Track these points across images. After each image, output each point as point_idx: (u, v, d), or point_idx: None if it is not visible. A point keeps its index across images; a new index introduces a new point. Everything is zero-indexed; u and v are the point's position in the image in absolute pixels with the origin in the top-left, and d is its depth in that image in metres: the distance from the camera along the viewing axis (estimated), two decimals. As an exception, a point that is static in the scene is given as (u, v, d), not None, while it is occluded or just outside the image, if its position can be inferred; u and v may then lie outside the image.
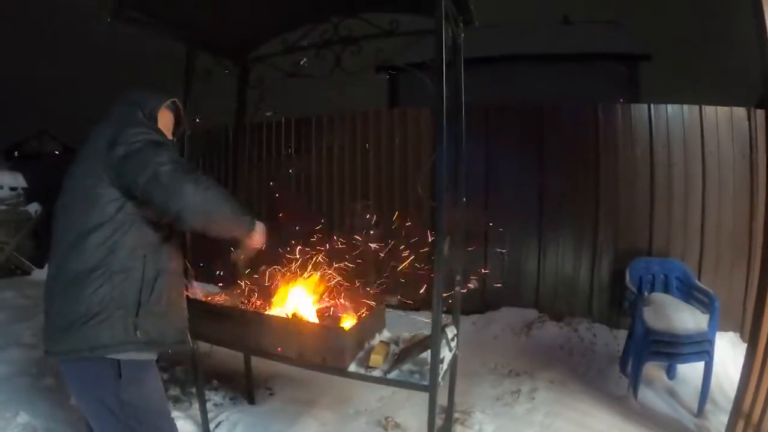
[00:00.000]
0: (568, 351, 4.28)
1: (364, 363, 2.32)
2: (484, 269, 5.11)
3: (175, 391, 3.63)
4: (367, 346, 2.50)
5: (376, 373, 2.26)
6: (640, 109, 4.75)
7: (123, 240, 1.78)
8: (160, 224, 1.89)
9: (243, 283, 3.26)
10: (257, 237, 2.06)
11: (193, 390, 3.31)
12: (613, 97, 8.29)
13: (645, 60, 11.93)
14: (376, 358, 2.28)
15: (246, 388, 3.56)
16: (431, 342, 2.12)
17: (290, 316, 2.62)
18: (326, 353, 2.33)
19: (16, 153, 15.92)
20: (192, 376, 3.20)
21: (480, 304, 5.07)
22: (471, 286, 4.76)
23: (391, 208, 5.32)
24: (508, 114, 5.10)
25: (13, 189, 8.52)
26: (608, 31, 12.92)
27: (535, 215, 5.00)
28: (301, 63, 3.00)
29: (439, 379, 2.18)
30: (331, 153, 5.76)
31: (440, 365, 2.18)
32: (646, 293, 3.99)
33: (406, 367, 2.26)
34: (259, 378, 3.69)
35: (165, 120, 2.10)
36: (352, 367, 2.33)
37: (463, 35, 2.53)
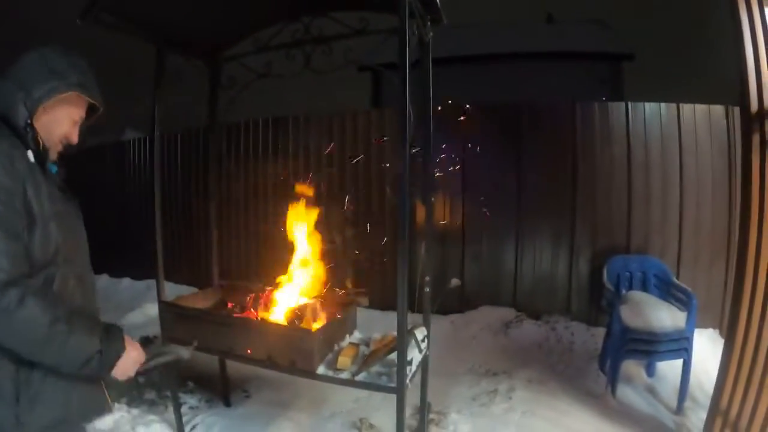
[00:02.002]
0: (546, 350, 4.27)
1: (333, 365, 2.30)
2: (461, 269, 5.12)
3: (150, 395, 3.62)
4: (336, 347, 2.48)
5: (344, 375, 2.25)
6: (617, 108, 4.76)
7: None
8: None
9: (219, 285, 3.26)
10: (123, 367, 1.43)
11: (169, 393, 3.28)
12: (596, 97, 8.34)
13: (628, 59, 11.99)
14: (343, 360, 2.26)
15: (222, 391, 3.54)
16: (397, 344, 2.10)
17: (259, 318, 2.60)
18: (294, 355, 2.31)
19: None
20: (175, 378, 3.17)
21: (459, 303, 5.06)
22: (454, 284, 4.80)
23: (368, 209, 5.32)
24: (485, 113, 5.07)
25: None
26: (592, 30, 12.95)
27: (512, 214, 4.99)
28: (269, 64, 2.96)
29: (408, 380, 2.16)
30: (307, 154, 5.71)
31: (408, 367, 2.16)
32: (623, 291, 3.98)
33: (375, 368, 2.25)
34: (235, 380, 3.67)
35: (60, 115, 1.48)
36: (321, 370, 2.31)
37: (431, 34, 2.51)
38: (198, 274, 5.65)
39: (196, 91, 3.39)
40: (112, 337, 1.40)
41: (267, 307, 2.75)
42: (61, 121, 1.48)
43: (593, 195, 4.77)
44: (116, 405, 3.40)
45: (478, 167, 5.05)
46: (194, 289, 4.02)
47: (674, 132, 4.61)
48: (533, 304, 4.92)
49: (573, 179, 4.80)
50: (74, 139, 1.54)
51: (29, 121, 1.39)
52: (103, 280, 6.92)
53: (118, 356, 1.40)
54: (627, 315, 3.54)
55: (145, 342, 4.61)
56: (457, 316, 4.96)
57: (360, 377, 2.21)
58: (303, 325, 2.47)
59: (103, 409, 1.58)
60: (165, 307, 2.88)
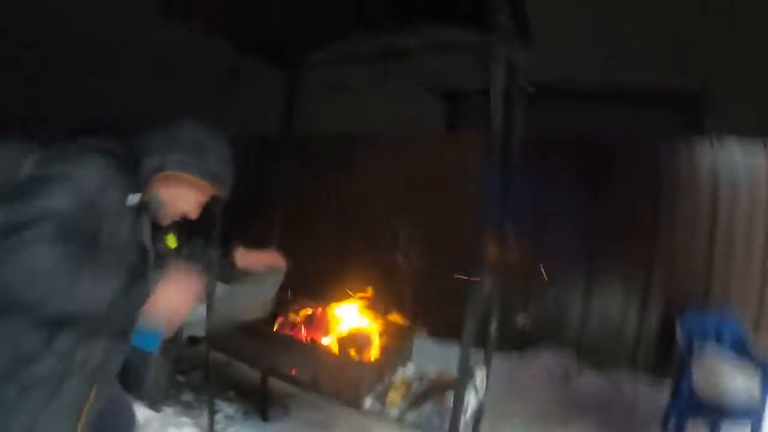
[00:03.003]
0: (606, 403, 3.95)
1: (381, 399, 2.14)
2: (525, 307, 4.87)
3: (188, 397, 3.59)
4: (387, 380, 2.33)
5: (393, 412, 2.08)
6: (702, 145, 4.43)
7: None
8: None
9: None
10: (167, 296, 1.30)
11: (206, 398, 3.20)
12: (672, 133, 7.98)
13: (707, 95, 11.50)
14: (393, 397, 2.11)
15: (261, 404, 3.43)
16: (456, 386, 1.91)
17: (307, 339, 2.49)
18: (341, 384, 2.17)
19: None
20: (214, 384, 3.09)
21: (518, 341, 4.78)
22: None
23: (437, 234, 5.16)
24: (562, 147, 4.85)
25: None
26: (668, 64, 12.48)
27: (584, 252, 4.70)
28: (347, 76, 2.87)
29: (461, 427, 1.97)
30: (380, 174, 5.62)
31: (464, 412, 1.98)
32: (696, 349, 3.66)
33: (427, 409, 2.07)
34: (276, 395, 3.54)
35: (188, 194, 1.53)
36: (368, 403, 2.16)
37: (521, 56, 2.33)
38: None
39: (271, 98, 3.34)
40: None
41: (319, 327, 2.63)
42: (186, 199, 1.53)
43: (672, 239, 4.41)
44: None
45: (550, 199, 4.80)
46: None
47: (763, 172, 4.23)
48: (597, 353, 4.59)
49: (652, 220, 4.46)
50: (194, 215, 1.59)
51: (153, 175, 1.43)
52: (162, 276, 7.02)
53: None
54: (698, 378, 3.25)
55: (192, 342, 4.60)
56: (516, 355, 4.66)
57: (409, 417, 2.04)
58: (354, 353, 2.33)
59: None
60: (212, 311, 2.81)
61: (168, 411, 3.34)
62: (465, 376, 1.91)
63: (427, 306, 4.63)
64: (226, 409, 3.46)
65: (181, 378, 3.87)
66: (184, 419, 3.26)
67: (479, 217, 1.86)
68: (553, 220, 4.80)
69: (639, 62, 12.30)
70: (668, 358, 4.10)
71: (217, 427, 3.17)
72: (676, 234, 4.41)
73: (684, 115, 11.26)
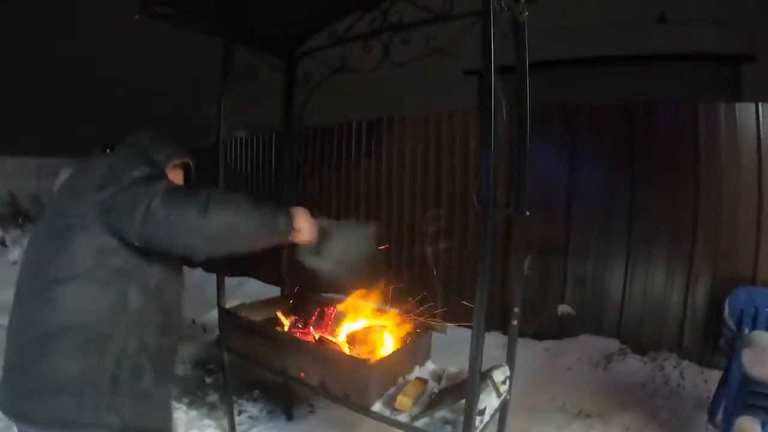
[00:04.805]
0: (650, 391, 3.66)
1: (392, 403, 1.97)
2: (562, 292, 4.62)
3: (213, 398, 3.55)
4: (401, 381, 2.16)
5: (402, 417, 1.91)
6: (746, 110, 4.01)
7: (100, 300, 1.44)
8: (150, 288, 1.54)
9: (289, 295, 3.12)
10: (303, 230, 1.71)
11: (233, 398, 3.14)
12: (713, 100, 7.59)
13: (748, 61, 10.88)
14: (403, 400, 1.93)
15: (285, 403, 3.36)
16: (467, 390, 1.72)
17: (315, 339, 2.34)
18: (349, 386, 2.03)
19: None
20: (232, 385, 3.02)
21: (556, 328, 4.52)
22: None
23: (464, 218, 4.96)
24: (595, 114, 4.52)
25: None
26: (707, 30, 11.88)
27: (623, 231, 4.37)
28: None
29: (477, 432, 1.78)
30: (402, 156, 5.45)
31: (480, 417, 1.79)
32: (746, 330, 3.35)
33: (440, 413, 1.89)
34: (302, 394, 3.44)
35: (176, 176, 1.82)
36: (377, 406, 2.00)
37: (526, 13, 2.07)
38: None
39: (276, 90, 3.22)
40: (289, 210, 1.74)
41: (330, 325, 2.49)
42: (178, 178, 1.84)
43: (717, 212, 4.04)
44: (176, 404, 3.36)
45: (586, 176, 4.53)
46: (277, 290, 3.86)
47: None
48: (640, 337, 4.28)
49: (694, 192, 4.10)
50: None
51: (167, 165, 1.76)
52: (198, 273, 7.03)
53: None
54: (749, 361, 2.90)
55: (220, 340, 4.55)
56: (553, 342, 4.41)
57: (420, 423, 1.87)
58: (363, 352, 2.17)
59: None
60: (223, 314, 2.75)
61: (192, 413, 3.34)
62: (476, 376, 1.71)
63: (456, 293, 4.44)
64: (250, 408, 3.42)
65: (207, 379, 3.82)
66: (207, 421, 3.25)
67: (484, 198, 1.65)
68: (588, 193, 4.54)
69: (684, 26, 11.80)
70: (715, 344, 3.79)
71: (242, 427, 3.14)
72: (721, 207, 4.06)
73: (727, 79, 10.78)
